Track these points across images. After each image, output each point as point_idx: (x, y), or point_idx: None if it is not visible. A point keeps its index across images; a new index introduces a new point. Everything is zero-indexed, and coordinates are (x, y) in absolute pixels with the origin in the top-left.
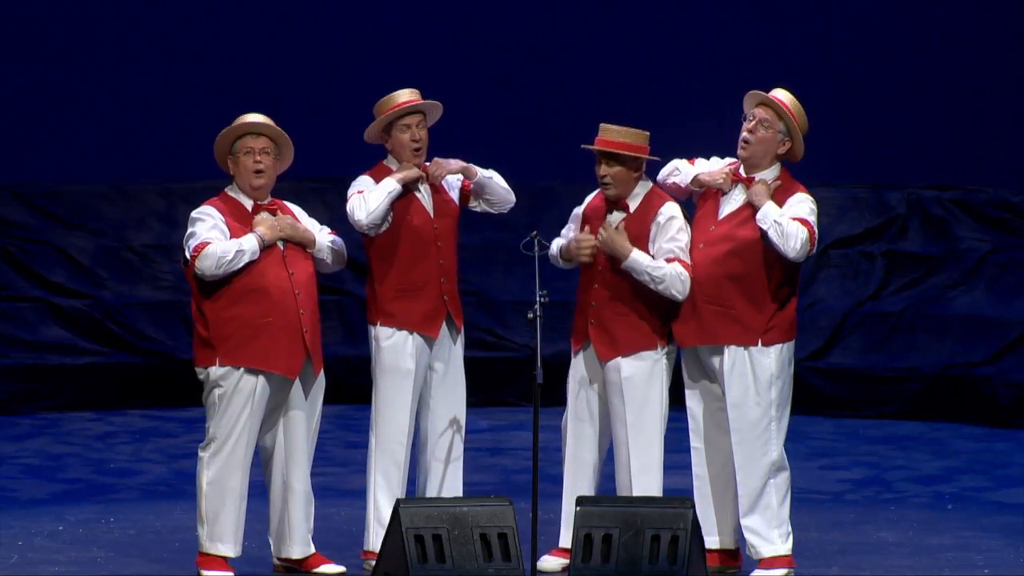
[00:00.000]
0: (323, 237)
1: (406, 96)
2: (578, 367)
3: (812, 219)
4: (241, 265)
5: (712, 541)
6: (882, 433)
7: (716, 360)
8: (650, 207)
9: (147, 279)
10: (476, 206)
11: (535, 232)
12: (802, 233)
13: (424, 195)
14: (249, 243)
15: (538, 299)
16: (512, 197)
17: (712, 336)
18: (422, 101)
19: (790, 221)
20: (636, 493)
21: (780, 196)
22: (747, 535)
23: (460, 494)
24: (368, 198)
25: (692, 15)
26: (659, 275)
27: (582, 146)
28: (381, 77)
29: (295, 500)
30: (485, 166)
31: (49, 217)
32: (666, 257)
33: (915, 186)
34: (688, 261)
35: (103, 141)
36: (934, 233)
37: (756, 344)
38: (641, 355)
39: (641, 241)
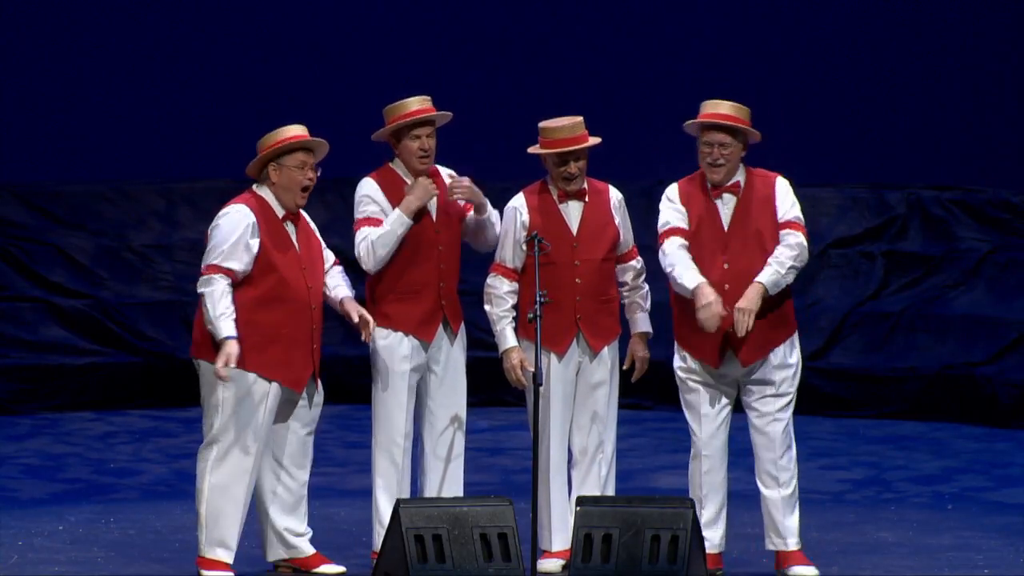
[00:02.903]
0: (345, 289)
1: (417, 104)
2: (565, 369)
3: (800, 214)
4: (206, 318)
5: (719, 544)
6: (882, 433)
7: (746, 368)
8: (598, 191)
9: (147, 279)
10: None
11: (535, 232)
12: (803, 249)
13: None
14: (222, 331)
15: (538, 299)
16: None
17: (765, 347)
18: (433, 112)
19: (789, 250)
20: (608, 483)
21: (760, 189)
22: (786, 532)
23: (460, 493)
24: (378, 245)
25: (692, 16)
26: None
27: (540, 151)
28: (382, 78)
29: (278, 506)
30: (485, 166)
31: (49, 217)
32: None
33: (915, 186)
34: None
35: (103, 141)
36: (934, 233)
37: (787, 339)
38: (616, 341)
39: (608, 224)
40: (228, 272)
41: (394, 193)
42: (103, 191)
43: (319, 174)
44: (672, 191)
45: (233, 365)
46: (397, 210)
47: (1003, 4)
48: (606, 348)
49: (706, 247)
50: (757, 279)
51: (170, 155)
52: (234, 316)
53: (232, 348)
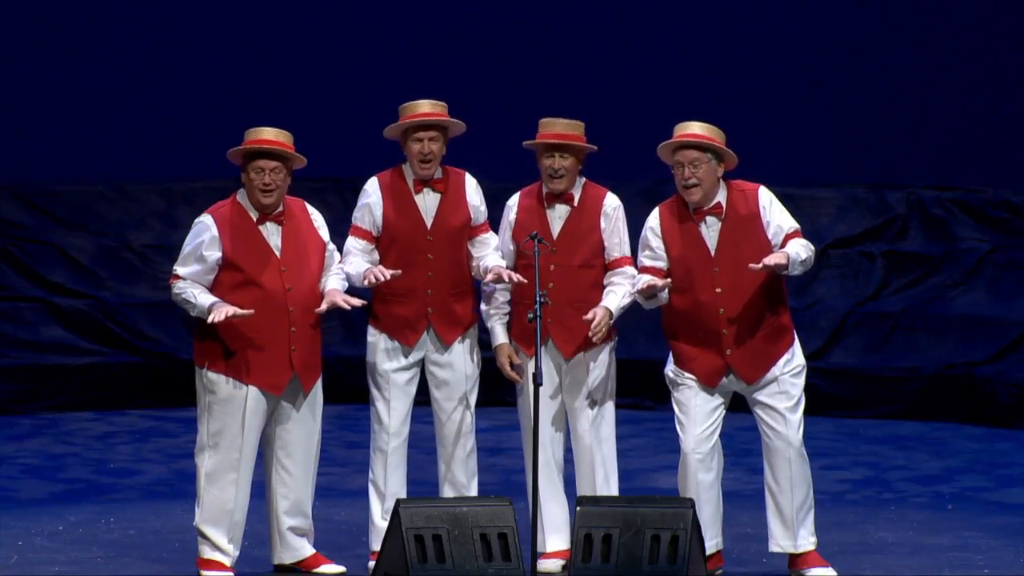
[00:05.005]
0: (334, 282)
1: (426, 107)
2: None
3: (794, 222)
4: (192, 313)
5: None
6: (882, 433)
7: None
8: (592, 198)
9: (147, 279)
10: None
11: (535, 232)
12: (813, 251)
13: (425, 202)
14: (201, 305)
15: (538, 299)
16: None
17: (767, 364)
18: (440, 117)
19: (798, 245)
20: (605, 486)
21: (744, 208)
22: (804, 532)
23: (472, 489)
24: (347, 268)
25: (692, 16)
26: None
27: (528, 143)
28: (383, 79)
29: (281, 508)
30: (484, 166)
31: (49, 217)
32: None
33: (915, 186)
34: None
35: (103, 141)
36: (934, 233)
37: (787, 350)
38: (600, 347)
39: (592, 232)
40: (186, 278)
41: (395, 195)
42: (103, 191)
43: (283, 176)
44: (654, 219)
45: (231, 312)
46: (364, 279)
47: (1003, 4)
48: (584, 353)
49: (695, 272)
50: (783, 250)
51: (170, 155)
52: (208, 293)
53: (221, 305)
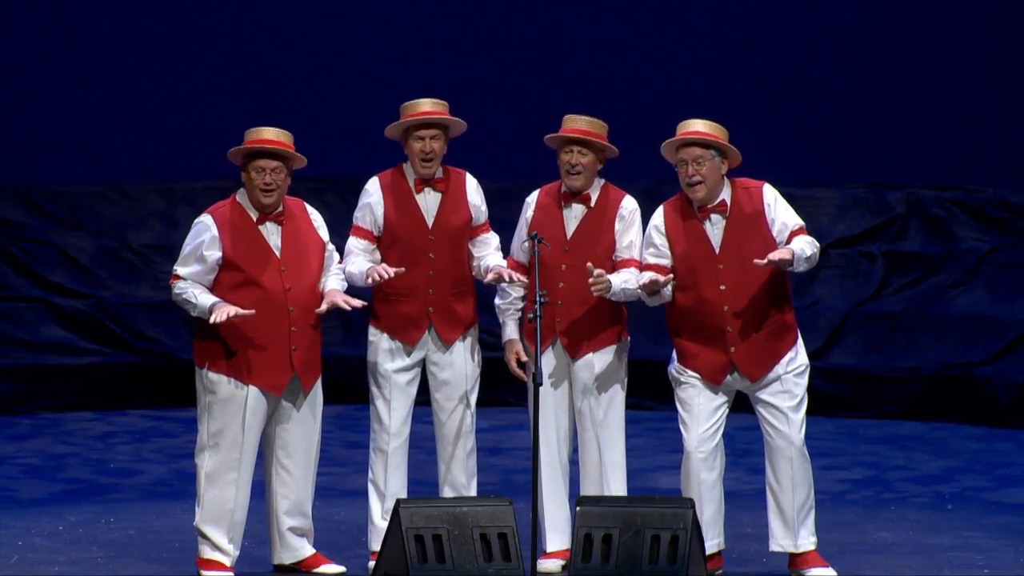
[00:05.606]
0: (333, 282)
1: (427, 106)
2: (549, 370)
3: (799, 219)
4: (192, 313)
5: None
6: (882, 433)
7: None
8: (609, 200)
9: (147, 279)
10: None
11: (535, 232)
12: (818, 248)
13: (426, 201)
14: (203, 305)
15: (538, 299)
16: None
17: (770, 362)
18: (441, 115)
19: (803, 242)
20: (607, 489)
21: (748, 205)
22: (805, 532)
23: (472, 489)
24: (349, 268)
25: (693, 16)
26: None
27: (548, 136)
28: (386, 79)
29: (281, 508)
30: (490, 165)
31: (49, 217)
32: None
33: (915, 186)
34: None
35: (103, 141)
36: (934, 233)
37: (791, 349)
38: (609, 349)
39: (606, 234)
40: (186, 279)
41: (395, 195)
42: (103, 191)
43: (284, 176)
44: (658, 217)
45: (233, 312)
46: (367, 278)
47: (1003, 4)
48: (592, 354)
49: (700, 271)
50: (788, 246)
51: (170, 155)
52: (208, 293)
53: (222, 305)
